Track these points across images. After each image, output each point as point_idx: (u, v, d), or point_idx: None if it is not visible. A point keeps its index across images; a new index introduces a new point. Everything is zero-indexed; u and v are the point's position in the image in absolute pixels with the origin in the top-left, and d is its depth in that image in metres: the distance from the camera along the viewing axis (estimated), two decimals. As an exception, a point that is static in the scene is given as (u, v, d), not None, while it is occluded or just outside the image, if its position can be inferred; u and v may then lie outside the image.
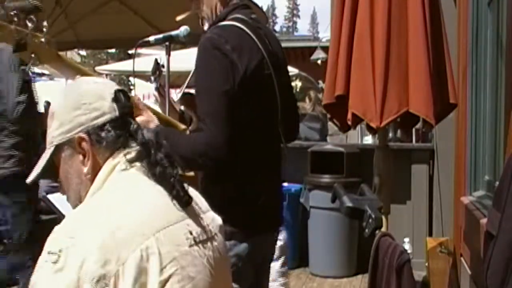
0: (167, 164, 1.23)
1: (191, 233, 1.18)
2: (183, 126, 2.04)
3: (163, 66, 2.25)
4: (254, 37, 1.86)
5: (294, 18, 78.59)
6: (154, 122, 1.85)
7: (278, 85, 1.91)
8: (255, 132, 1.85)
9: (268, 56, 1.88)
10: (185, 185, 1.23)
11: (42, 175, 1.33)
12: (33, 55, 1.55)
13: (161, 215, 1.16)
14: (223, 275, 1.27)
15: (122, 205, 1.15)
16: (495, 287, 1.28)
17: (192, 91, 1.97)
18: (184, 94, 2.02)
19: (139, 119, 1.84)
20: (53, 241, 1.08)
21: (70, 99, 1.27)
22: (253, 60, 1.82)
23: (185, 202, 1.21)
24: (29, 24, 1.57)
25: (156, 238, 1.10)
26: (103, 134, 1.22)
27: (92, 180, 1.23)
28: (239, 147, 1.78)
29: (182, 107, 2.11)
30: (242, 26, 1.85)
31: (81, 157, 1.24)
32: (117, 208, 1.14)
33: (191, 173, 2.04)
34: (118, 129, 1.24)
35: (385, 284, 2.25)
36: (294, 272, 4.85)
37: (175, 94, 2.20)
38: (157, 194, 1.20)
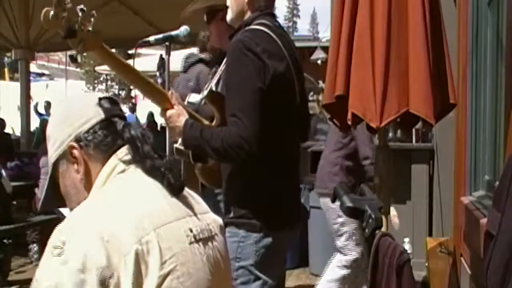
0: (155, 156, 1.25)
1: (191, 231, 1.20)
2: (206, 122, 2.11)
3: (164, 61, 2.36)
4: (279, 42, 1.96)
5: (294, 18, 78.56)
6: (184, 115, 1.93)
7: (298, 88, 2.03)
8: (279, 132, 1.95)
9: (291, 61, 1.99)
10: (176, 172, 1.25)
11: (48, 198, 1.38)
12: (80, 43, 1.63)
13: (162, 212, 1.17)
14: (222, 274, 1.28)
15: (123, 201, 1.17)
16: (495, 287, 1.28)
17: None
18: (211, 92, 2.10)
19: (170, 112, 1.94)
20: (56, 236, 1.10)
21: (57, 117, 1.33)
22: (280, 64, 1.93)
23: (178, 189, 1.23)
24: (80, 14, 1.60)
25: (157, 233, 1.11)
26: (90, 137, 1.27)
27: (86, 186, 1.27)
28: (267, 144, 1.86)
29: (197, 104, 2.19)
30: (269, 32, 1.96)
31: (75, 166, 1.28)
32: (118, 203, 1.16)
33: (214, 168, 2.09)
34: (105, 130, 1.28)
35: (385, 284, 2.25)
36: (294, 272, 4.86)
37: (204, 91, 2.29)
38: (158, 192, 1.21)
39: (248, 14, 2.04)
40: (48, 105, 14.18)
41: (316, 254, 4.92)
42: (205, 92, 2.16)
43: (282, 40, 1.99)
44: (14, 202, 4.98)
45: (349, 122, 2.39)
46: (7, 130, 9.02)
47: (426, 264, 3.72)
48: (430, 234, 4.67)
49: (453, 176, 3.67)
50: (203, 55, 3.42)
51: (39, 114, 13.51)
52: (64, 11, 1.57)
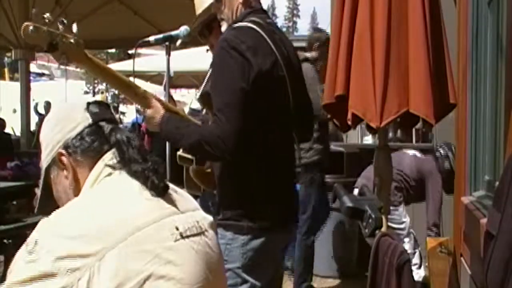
0: (140, 159, 1.26)
1: (177, 228, 1.20)
2: (198, 123, 2.11)
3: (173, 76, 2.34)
4: (268, 39, 1.94)
5: (294, 18, 78.61)
6: (160, 113, 1.92)
7: (291, 87, 1.99)
8: (270, 130, 1.92)
9: (281, 59, 1.95)
10: (161, 173, 1.26)
11: (44, 202, 1.40)
12: (63, 55, 1.64)
13: (144, 214, 1.18)
14: (215, 269, 1.28)
15: (104, 204, 1.18)
16: (495, 287, 1.28)
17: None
18: (203, 93, 2.09)
19: (148, 111, 1.94)
20: (33, 233, 1.12)
21: (49, 123, 1.35)
22: (266, 61, 1.89)
23: (161, 190, 1.23)
24: (60, 26, 1.60)
25: (136, 237, 1.11)
26: (78, 143, 1.28)
27: (75, 192, 1.28)
28: (254, 143, 1.85)
29: (192, 107, 2.19)
30: (257, 28, 1.93)
31: (65, 172, 1.30)
32: (99, 206, 1.17)
33: (208, 170, 2.09)
34: (92, 135, 1.29)
35: (385, 284, 2.25)
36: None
37: (196, 94, 2.30)
38: (141, 194, 1.22)
39: (242, 11, 2.02)
40: (48, 105, 14.18)
41: (316, 254, 4.91)
42: (198, 95, 2.16)
43: (273, 37, 1.96)
44: (14, 202, 4.97)
45: (349, 122, 2.39)
46: (7, 130, 9.02)
47: (426, 264, 3.72)
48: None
49: (453, 176, 3.66)
50: (308, 54, 3.40)
51: (39, 114, 13.51)
52: (44, 24, 1.57)
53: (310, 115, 2.24)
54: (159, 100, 1.96)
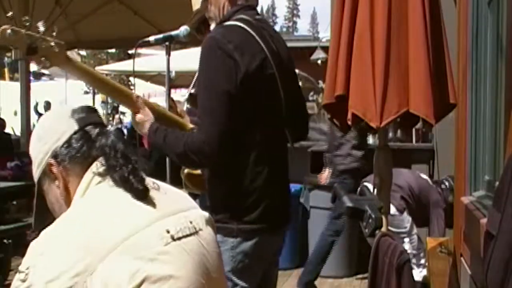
0: (122, 165, 1.24)
1: (168, 232, 1.18)
2: (190, 126, 2.07)
3: (175, 80, 2.29)
4: (257, 37, 1.88)
5: (294, 18, 78.63)
6: (150, 120, 1.89)
7: (282, 85, 1.93)
8: (260, 130, 1.87)
9: (271, 57, 1.89)
10: (143, 175, 1.25)
11: (40, 216, 1.39)
12: (43, 59, 1.59)
13: (131, 222, 1.16)
14: (212, 267, 1.26)
15: (90, 218, 1.16)
16: (495, 287, 1.28)
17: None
18: (191, 94, 2.06)
19: (137, 117, 1.90)
20: (25, 259, 1.12)
21: (35, 136, 1.34)
22: (255, 59, 1.84)
23: (141, 193, 1.22)
24: (40, 29, 1.56)
25: (124, 247, 1.10)
26: (65, 151, 1.27)
27: (66, 201, 1.28)
28: (243, 145, 1.81)
29: (188, 106, 2.14)
30: (245, 27, 1.88)
31: (56, 182, 1.29)
32: (85, 221, 1.16)
33: (198, 171, 2.06)
34: (80, 141, 1.28)
35: (385, 284, 2.26)
36: (294, 272, 4.85)
37: (186, 94, 2.25)
38: (129, 200, 1.21)
39: (228, 9, 1.96)
40: (48, 105, 14.18)
41: (316, 254, 4.91)
42: (187, 95, 2.13)
43: (261, 34, 1.90)
44: (14, 202, 4.98)
45: (349, 122, 2.39)
46: (7, 130, 9.01)
47: (426, 264, 3.72)
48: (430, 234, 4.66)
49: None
50: None
51: (39, 114, 13.51)
52: (23, 27, 1.53)
53: (304, 112, 2.18)
54: (149, 104, 1.92)
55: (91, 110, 1.36)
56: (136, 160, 1.27)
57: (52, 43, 1.59)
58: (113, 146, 1.27)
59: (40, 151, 1.30)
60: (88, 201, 1.22)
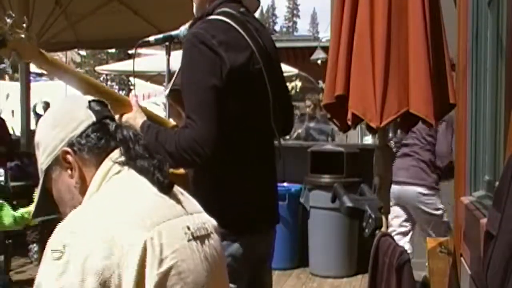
0: (147, 155, 1.25)
1: (188, 228, 1.20)
2: (172, 123, 2.01)
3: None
4: (242, 31, 1.82)
5: (294, 18, 78.59)
6: (141, 117, 1.83)
7: (269, 80, 1.87)
8: (245, 127, 1.82)
9: (257, 51, 1.84)
10: (165, 171, 1.25)
11: (41, 207, 1.37)
12: (13, 52, 1.53)
13: (160, 209, 1.18)
14: (219, 272, 1.29)
15: (121, 202, 1.17)
16: (495, 287, 1.28)
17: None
18: (172, 90, 1.98)
19: (127, 115, 1.83)
20: (55, 239, 1.10)
21: (47, 122, 1.32)
22: (240, 54, 1.78)
23: (166, 187, 1.23)
24: (8, 20, 1.49)
25: (157, 231, 1.12)
26: (84, 141, 1.26)
27: (81, 190, 1.26)
28: (229, 143, 1.74)
29: (165, 102, 2.08)
30: (229, 21, 1.82)
31: (69, 171, 1.27)
32: (116, 205, 1.16)
33: (181, 171, 2.01)
34: (98, 132, 1.27)
35: (385, 284, 2.26)
36: (294, 272, 4.86)
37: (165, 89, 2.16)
38: (153, 190, 1.22)
39: (209, 2, 1.90)
40: (47, 105, 14.14)
41: (316, 254, 4.92)
42: (167, 91, 2.01)
43: (246, 29, 1.84)
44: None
45: (349, 122, 2.39)
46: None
47: (426, 264, 3.72)
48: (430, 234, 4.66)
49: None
50: None
51: (37, 115, 13.46)
52: None
53: (289, 107, 2.12)
54: (141, 106, 1.87)
55: (105, 104, 1.36)
56: (160, 156, 1.28)
57: (23, 35, 1.52)
58: (136, 139, 1.27)
59: (54, 138, 1.27)
60: (113, 185, 1.22)
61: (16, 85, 8.51)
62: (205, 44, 1.74)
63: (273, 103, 1.90)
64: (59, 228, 1.12)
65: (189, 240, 1.18)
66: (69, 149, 1.26)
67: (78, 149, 1.26)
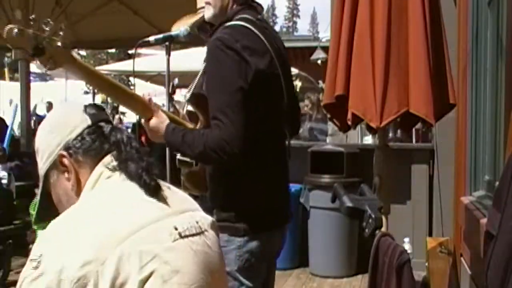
0: (137, 158, 1.27)
1: (176, 229, 1.20)
2: (190, 126, 2.05)
3: (177, 86, 2.26)
4: (262, 37, 1.88)
5: (294, 18, 78.63)
6: (165, 121, 1.88)
7: (285, 84, 1.95)
8: (264, 130, 1.88)
9: (276, 56, 1.91)
10: (153, 173, 1.26)
11: (44, 210, 1.40)
12: (50, 60, 1.55)
13: (143, 215, 1.18)
14: (215, 269, 1.28)
15: (101, 208, 1.18)
16: (495, 287, 1.28)
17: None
18: (193, 94, 2.02)
19: (152, 121, 1.89)
20: (35, 247, 1.12)
21: (44, 128, 1.35)
22: (262, 60, 1.85)
23: (153, 189, 1.24)
24: (47, 29, 1.50)
25: (135, 238, 1.12)
26: (79, 144, 1.28)
27: (77, 193, 1.28)
28: (251, 144, 1.80)
29: (189, 108, 2.11)
30: (251, 27, 1.88)
31: (66, 174, 1.30)
32: (96, 211, 1.17)
33: (197, 168, 2.05)
34: (93, 135, 1.30)
35: (385, 284, 2.25)
36: (294, 272, 4.85)
37: (185, 94, 2.18)
38: (139, 195, 1.23)
39: (233, 7, 1.95)
40: (49, 105, 14.15)
41: (316, 254, 4.92)
42: (188, 95, 2.05)
43: (266, 35, 1.91)
44: (14, 202, 4.98)
45: (349, 122, 2.39)
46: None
47: (426, 264, 3.72)
48: (430, 234, 4.67)
49: (453, 176, 3.67)
50: None
51: (37, 116, 13.44)
52: (29, 27, 1.48)
53: (297, 109, 2.21)
54: (159, 108, 1.91)
55: (101, 108, 1.38)
56: (149, 160, 1.29)
57: (59, 43, 1.55)
58: (129, 142, 1.29)
59: (50, 144, 1.30)
60: (98, 192, 1.24)
61: (16, 85, 8.52)
62: (231, 48, 1.80)
63: (286, 106, 1.97)
64: (40, 236, 1.14)
65: (175, 240, 1.18)
66: (65, 153, 1.29)
67: (74, 152, 1.28)
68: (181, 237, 1.20)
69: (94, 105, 1.36)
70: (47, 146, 1.31)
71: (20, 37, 1.48)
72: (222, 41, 1.82)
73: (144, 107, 1.89)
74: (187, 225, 1.23)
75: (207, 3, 1.98)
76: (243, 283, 1.87)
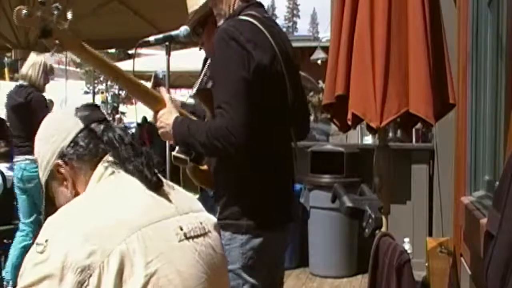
0: (134, 154, 1.27)
1: (181, 229, 1.21)
2: (195, 119, 2.06)
3: (162, 79, 2.28)
4: (267, 33, 1.89)
5: (294, 18, 78.63)
6: (174, 113, 1.89)
7: (289, 83, 1.94)
8: (268, 126, 1.87)
9: (280, 54, 1.91)
10: (153, 167, 1.27)
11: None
12: (57, 41, 1.58)
13: (149, 212, 1.19)
14: (218, 270, 1.29)
15: (110, 201, 1.19)
16: (495, 287, 1.28)
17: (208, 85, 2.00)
18: (199, 89, 2.03)
19: (162, 111, 1.89)
20: (42, 233, 1.12)
21: (40, 137, 1.35)
22: (266, 55, 1.85)
23: (154, 184, 1.24)
24: (55, 12, 1.54)
25: (142, 233, 1.12)
26: (72, 150, 1.29)
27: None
28: (253, 139, 1.79)
29: (190, 102, 2.13)
30: (256, 22, 1.89)
31: (64, 183, 1.31)
32: (105, 204, 1.18)
33: (205, 167, 2.06)
34: (86, 138, 1.29)
35: (385, 284, 2.25)
36: (294, 272, 4.86)
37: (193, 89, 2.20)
38: (144, 191, 1.23)
39: (239, 4, 1.98)
40: (51, 103, 14.13)
41: (316, 254, 4.92)
42: (194, 90, 2.08)
43: (271, 31, 1.91)
44: (14, 203, 4.98)
45: (349, 122, 2.39)
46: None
47: (426, 264, 3.72)
48: (430, 234, 4.67)
49: (453, 176, 3.67)
50: None
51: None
52: (38, 9, 1.52)
53: (306, 111, 2.19)
54: (171, 99, 1.93)
55: (93, 107, 1.38)
56: (148, 153, 1.29)
57: (66, 26, 1.57)
58: (121, 139, 1.29)
59: (46, 152, 1.31)
60: (105, 186, 1.24)
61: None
62: (235, 39, 1.81)
63: (291, 106, 1.96)
64: (47, 222, 1.14)
65: (180, 241, 1.18)
66: (60, 161, 1.29)
67: (69, 159, 1.29)
68: (186, 238, 1.20)
69: (86, 106, 1.36)
70: (43, 155, 1.32)
71: (28, 18, 1.52)
72: (227, 32, 1.83)
73: (155, 100, 1.89)
74: (192, 226, 1.24)
75: (218, 15, 2.01)
76: (247, 280, 1.87)
